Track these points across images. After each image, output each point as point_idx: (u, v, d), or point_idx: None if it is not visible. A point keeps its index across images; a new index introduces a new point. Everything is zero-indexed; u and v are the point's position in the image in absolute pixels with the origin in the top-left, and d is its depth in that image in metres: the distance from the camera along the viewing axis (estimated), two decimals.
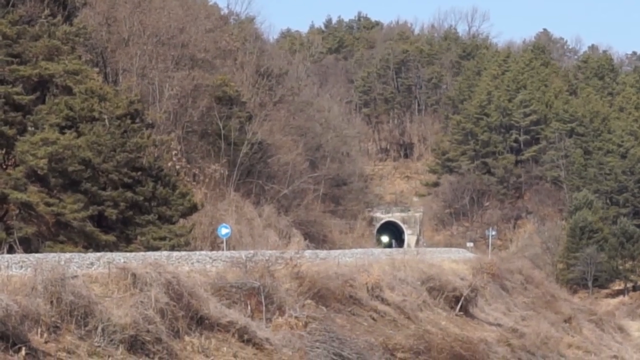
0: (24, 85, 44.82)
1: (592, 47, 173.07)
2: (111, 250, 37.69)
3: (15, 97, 43.39)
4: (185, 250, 41.45)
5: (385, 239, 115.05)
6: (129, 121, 44.58)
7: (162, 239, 43.14)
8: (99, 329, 27.02)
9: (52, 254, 31.52)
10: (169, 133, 59.00)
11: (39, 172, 41.35)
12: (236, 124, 69.12)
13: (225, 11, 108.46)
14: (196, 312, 31.33)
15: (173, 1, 74.11)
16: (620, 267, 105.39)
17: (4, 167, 42.99)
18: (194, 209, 47.31)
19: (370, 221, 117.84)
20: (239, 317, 32.93)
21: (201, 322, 31.56)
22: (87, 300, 27.25)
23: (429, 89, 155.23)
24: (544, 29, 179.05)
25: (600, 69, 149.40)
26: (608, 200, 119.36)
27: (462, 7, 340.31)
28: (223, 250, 43.75)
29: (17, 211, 41.37)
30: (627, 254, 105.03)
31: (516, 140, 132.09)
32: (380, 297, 44.57)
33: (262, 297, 34.73)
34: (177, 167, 56.81)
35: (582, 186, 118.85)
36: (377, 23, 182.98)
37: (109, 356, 26.71)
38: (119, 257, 32.89)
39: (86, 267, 31.00)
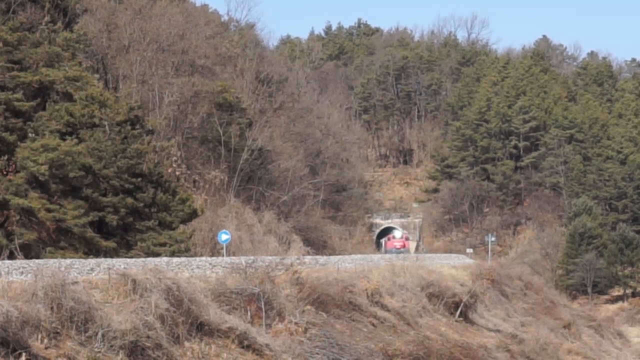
0: (24, 92, 44.95)
1: (592, 54, 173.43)
2: (111, 256, 37.80)
3: (16, 103, 43.55)
4: (185, 256, 41.50)
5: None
6: (129, 127, 44.71)
7: (162, 245, 43.21)
8: (99, 335, 27.11)
9: (53, 260, 31.62)
10: (169, 139, 59.12)
11: (39, 178, 41.44)
12: (236, 130, 69.21)
13: (226, 18, 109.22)
14: (196, 318, 31.40)
15: (173, 8, 74.31)
16: (620, 273, 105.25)
17: (5, 173, 43.05)
18: (194, 215, 47.38)
19: (370, 227, 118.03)
20: (239, 323, 33.00)
21: (201, 328, 31.64)
22: (88, 306, 27.34)
23: (429, 96, 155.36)
24: (544, 36, 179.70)
25: (599, 75, 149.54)
26: (607, 207, 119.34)
27: (462, 13, 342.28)
28: (223, 256, 43.78)
29: (18, 217, 41.46)
30: (626, 260, 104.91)
31: (515, 147, 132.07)
32: (379, 303, 44.57)
33: (262, 303, 34.80)
34: (177, 173, 56.94)
35: (582, 192, 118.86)
36: (377, 29, 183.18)
37: None
38: (119, 263, 33.02)
39: (86, 273, 31.08)
